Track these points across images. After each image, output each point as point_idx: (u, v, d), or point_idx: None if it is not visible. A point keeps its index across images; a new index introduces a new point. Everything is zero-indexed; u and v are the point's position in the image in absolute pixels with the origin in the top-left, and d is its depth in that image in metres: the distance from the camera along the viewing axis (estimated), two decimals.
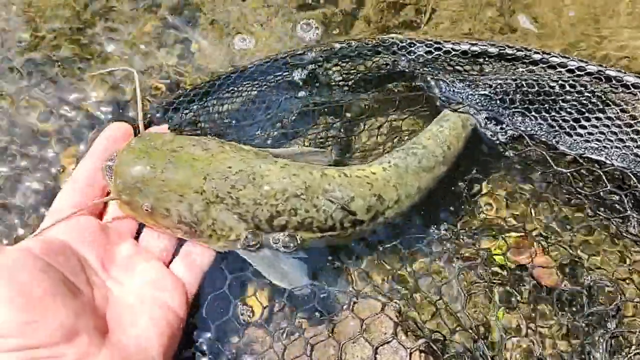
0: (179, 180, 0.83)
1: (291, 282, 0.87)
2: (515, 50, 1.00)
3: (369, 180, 0.91)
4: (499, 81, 1.00)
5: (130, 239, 0.91)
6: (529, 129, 1.01)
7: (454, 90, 1.04)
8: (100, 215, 0.91)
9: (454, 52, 1.02)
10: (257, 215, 0.85)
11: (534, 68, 0.99)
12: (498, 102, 1.02)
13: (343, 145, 1.13)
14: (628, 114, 0.92)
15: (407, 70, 1.05)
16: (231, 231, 0.86)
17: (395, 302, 0.93)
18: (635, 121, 0.91)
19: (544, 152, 0.99)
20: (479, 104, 1.03)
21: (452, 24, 1.38)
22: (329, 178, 0.89)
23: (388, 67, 1.07)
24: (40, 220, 0.98)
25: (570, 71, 0.96)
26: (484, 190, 1.09)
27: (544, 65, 0.97)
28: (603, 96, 0.94)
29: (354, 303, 0.94)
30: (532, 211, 1.02)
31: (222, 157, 0.86)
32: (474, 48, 1.01)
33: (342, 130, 1.13)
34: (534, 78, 0.99)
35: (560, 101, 0.97)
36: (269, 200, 0.84)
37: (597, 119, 0.95)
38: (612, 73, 0.92)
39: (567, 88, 0.96)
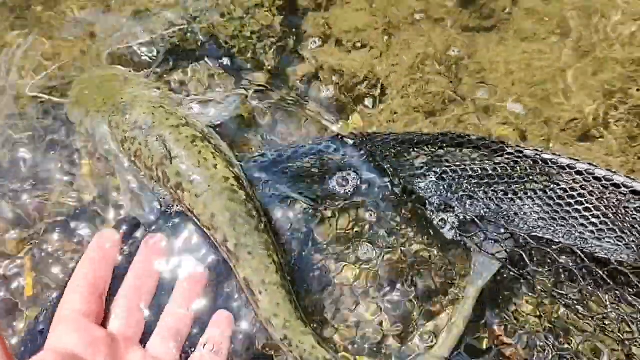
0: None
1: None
2: (456, 136, 1.04)
3: None
4: (443, 168, 1.04)
5: (138, 346, 0.91)
6: (477, 210, 1.04)
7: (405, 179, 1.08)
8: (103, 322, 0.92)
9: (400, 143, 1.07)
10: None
11: (477, 153, 1.03)
12: (445, 187, 1.06)
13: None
14: (567, 194, 0.96)
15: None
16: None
17: None
18: (575, 200, 0.95)
19: (491, 234, 1.01)
20: (429, 191, 1.06)
21: (402, 98, 1.43)
22: None
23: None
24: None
25: (510, 154, 1.00)
26: None
27: (486, 151, 1.02)
28: (542, 177, 0.98)
29: None
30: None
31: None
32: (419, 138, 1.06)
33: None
34: (477, 162, 1.03)
35: (502, 183, 1.01)
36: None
37: (540, 198, 0.98)
38: (547, 156, 0.96)
39: (509, 171, 1.00)
